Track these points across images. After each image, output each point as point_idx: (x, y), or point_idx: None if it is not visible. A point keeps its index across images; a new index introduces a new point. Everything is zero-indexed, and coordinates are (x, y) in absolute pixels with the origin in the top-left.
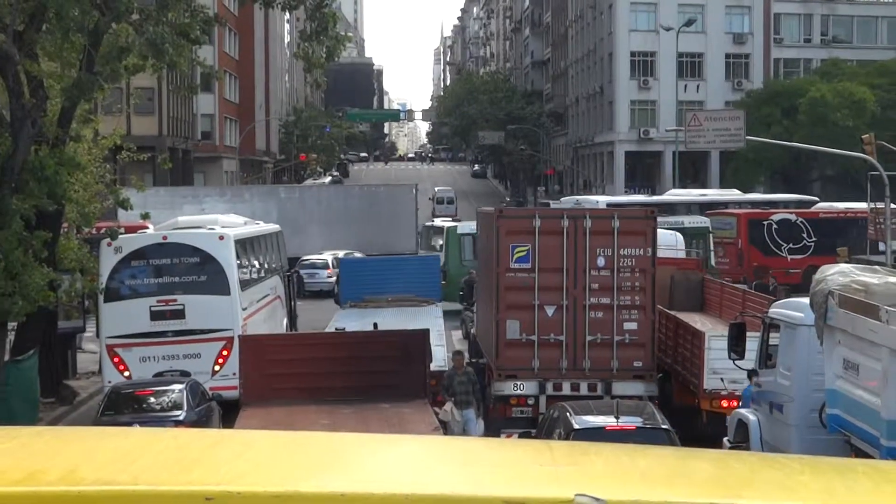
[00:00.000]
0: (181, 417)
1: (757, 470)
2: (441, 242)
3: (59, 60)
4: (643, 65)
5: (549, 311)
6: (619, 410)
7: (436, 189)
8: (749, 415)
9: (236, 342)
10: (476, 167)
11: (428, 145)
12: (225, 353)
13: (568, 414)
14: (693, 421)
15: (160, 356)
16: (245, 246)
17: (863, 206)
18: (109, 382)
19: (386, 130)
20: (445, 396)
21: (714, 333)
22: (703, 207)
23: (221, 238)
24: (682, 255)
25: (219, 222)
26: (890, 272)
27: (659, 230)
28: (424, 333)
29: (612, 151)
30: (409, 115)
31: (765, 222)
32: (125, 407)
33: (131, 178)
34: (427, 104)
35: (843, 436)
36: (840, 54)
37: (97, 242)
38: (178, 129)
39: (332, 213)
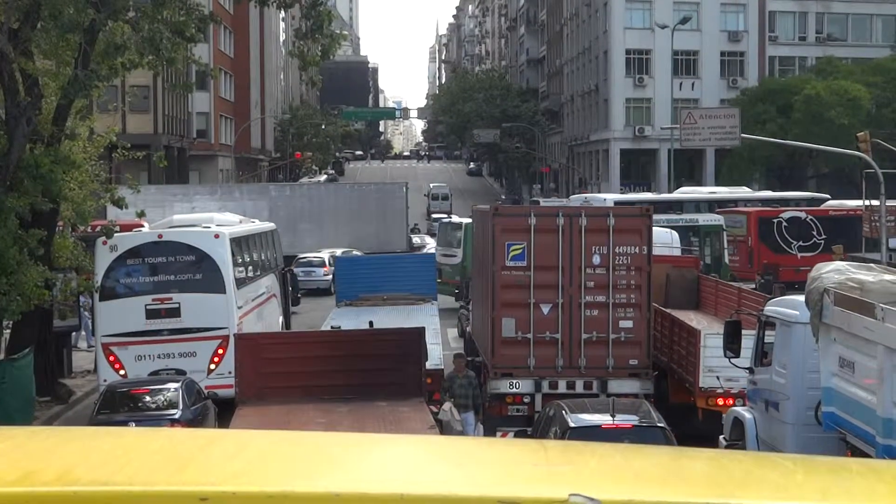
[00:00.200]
0: (177, 416)
1: (752, 470)
2: (460, 236)
3: (55, 58)
4: (638, 62)
5: (545, 309)
6: (615, 409)
7: (430, 185)
8: (745, 412)
9: (232, 341)
10: (472, 165)
11: (423, 143)
12: (220, 351)
13: (564, 412)
14: (689, 419)
15: (156, 355)
16: (240, 244)
17: (875, 203)
18: (105, 381)
19: (381, 129)
20: (445, 398)
21: (710, 331)
22: (713, 205)
23: (217, 236)
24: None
25: (214, 220)
26: (885, 270)
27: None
28: (420, 332)
29: (608, 149)
30: (405, 113)
31: (775, 220)
32: (121, 406)
33: (127, 176)
34: (422, 102)
35: (838, 433)
36: (835, 52)
37: (92, 241)
38: (174, 127)
39: (322, 211)
